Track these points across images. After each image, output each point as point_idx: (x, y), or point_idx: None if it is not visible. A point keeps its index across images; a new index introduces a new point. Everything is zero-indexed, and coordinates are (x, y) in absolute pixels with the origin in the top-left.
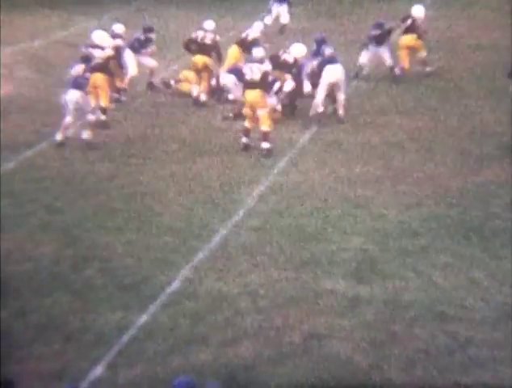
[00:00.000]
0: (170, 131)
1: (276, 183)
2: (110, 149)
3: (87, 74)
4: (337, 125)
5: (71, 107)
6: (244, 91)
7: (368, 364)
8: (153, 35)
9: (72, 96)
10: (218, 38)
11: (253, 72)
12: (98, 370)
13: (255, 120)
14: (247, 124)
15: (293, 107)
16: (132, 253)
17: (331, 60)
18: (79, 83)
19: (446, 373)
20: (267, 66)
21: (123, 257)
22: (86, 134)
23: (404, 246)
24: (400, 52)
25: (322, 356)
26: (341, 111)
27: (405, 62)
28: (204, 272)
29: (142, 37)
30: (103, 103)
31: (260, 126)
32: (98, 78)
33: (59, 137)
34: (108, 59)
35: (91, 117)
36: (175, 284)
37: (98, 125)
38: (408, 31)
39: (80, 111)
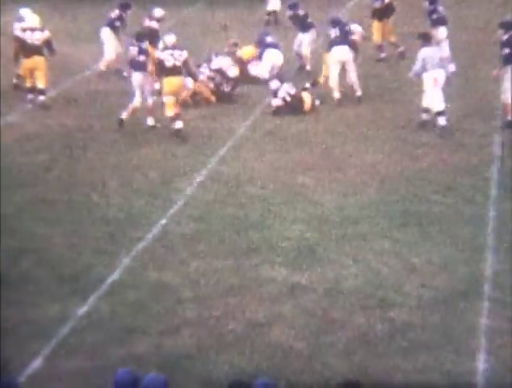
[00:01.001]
0: (110, 121)
1: (216, 171)
2: (47, 140)
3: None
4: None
5: (137, 89)
6: (164, 78)
7: (309, 352)
8: (128, 12)
9: (136, 78)
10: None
11: (175, 59)
12: (37, 362)
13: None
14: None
15: (230, 95)
16: (71, 244)
17: (338, 41)
18: (138, 64)
19: (385, 358)
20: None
21: (61, 248)
22: (149, 121)
23: (344, 233)
24: None
25: (263, 345)
26: (359, 93)
27: None
28: (145, 261)
29: (117, 14)
30: (41, 84)
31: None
32: (36, 61)
33: (123, 116)
34: (45, 41)
35: (150, 101)
36: (115, 275)
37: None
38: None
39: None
